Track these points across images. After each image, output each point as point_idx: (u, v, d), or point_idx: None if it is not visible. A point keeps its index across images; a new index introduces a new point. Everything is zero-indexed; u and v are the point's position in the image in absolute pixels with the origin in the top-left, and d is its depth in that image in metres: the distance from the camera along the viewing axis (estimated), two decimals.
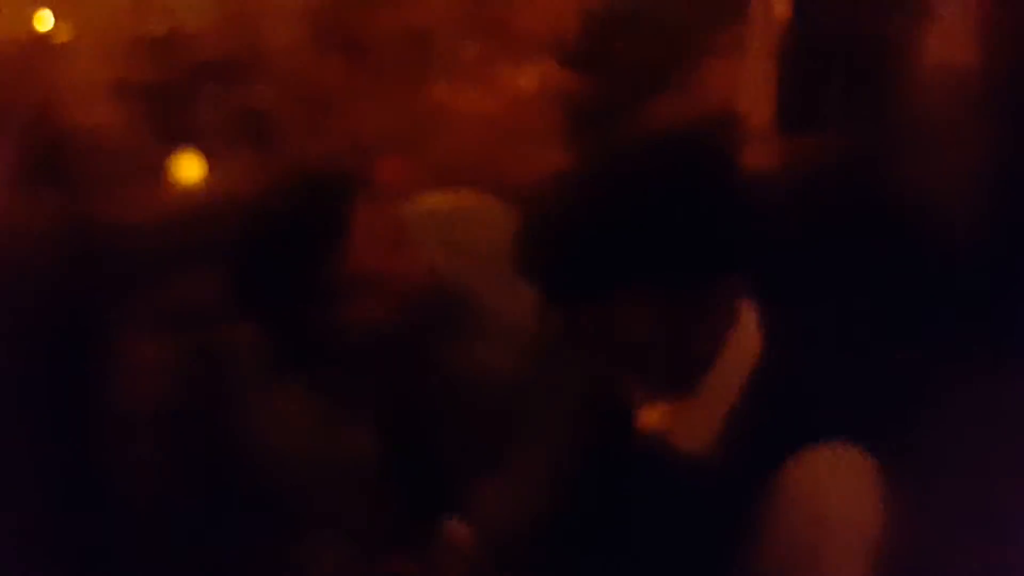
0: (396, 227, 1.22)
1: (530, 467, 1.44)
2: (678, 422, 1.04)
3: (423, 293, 1.26)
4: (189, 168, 4.01)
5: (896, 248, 2.41)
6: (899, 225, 2.63)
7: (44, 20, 6.51)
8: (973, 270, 2.57)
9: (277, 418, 1.36)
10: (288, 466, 1.42)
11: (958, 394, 1.84)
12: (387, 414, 1.40)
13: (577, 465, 1.29)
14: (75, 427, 1.62)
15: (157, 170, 4.02)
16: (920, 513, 1.08)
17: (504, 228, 1.52)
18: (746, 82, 4.01)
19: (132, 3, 6.56)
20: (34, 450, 1.35)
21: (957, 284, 2.41)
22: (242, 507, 1.62)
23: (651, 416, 1.08)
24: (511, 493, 1.45)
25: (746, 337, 1.04)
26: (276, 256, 1.12)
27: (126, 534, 1.63)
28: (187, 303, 2.19)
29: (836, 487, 1.01)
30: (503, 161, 2.59)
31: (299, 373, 1.34)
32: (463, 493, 1.49)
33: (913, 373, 1.74)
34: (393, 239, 1.20)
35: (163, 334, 1.94)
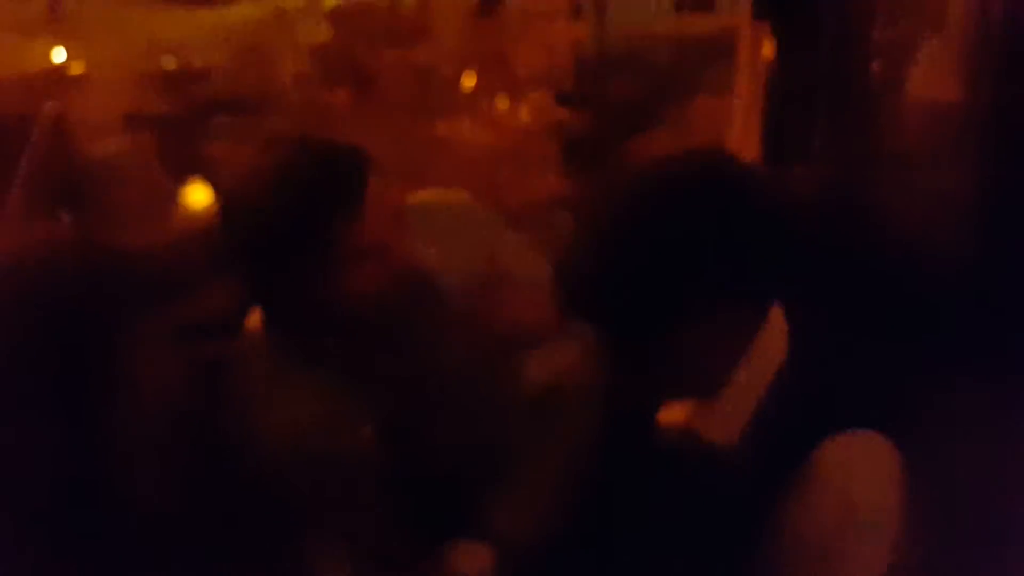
0: (398, 206, 1.25)
1: (547, 475, 1.43)
2: (707, 417, 1.05)
3: (418, 273, 1.29)
4: (199, 197, 4.03)
5: (884, 268, 2.45)
6: (884, 247, 2.67)
7: (58, 54, 6.59)
8: (961, 287, 2.62)
9: (285, 422, 1.36)
10: (295, 474, 1.42)
11: (960, 392, 1.88)
12: (393, 419, 1.41)
13: (598, 468, 1.28)
14: (85, 436, 1.63)
15: (168, 198, 4.04)
16: (933, 503, 1.10)
17: (486, 225, 1.55)
18: (735, 118, 4.07)
19: (144, 40, 6.65)
20: (44, 453, 1.36)
21: (944, 299, 2.45)
22: (247, 522, 1.62)
23: (680, 412, 1.09)
24: (528, 504, 1.45)
25: (773, 338, 1.05)
26: (296, 223, 1.14)
27: (133, 540, 1.63)
28: (197, 318, 2.21)
29: (863, 472, 1.01)
30: (502, 188, 2.63)
31: (306, 364, 1.34)
32: (477, 507, 1.48)
33: (921, 370, 1.77)
34: (395, 216, 1.23)
35: (173, 346, 1.95)
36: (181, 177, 4.38)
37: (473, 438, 1.49)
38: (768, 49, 3.98)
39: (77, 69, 6.57)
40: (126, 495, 1.68)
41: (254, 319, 1.43)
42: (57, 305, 1.79)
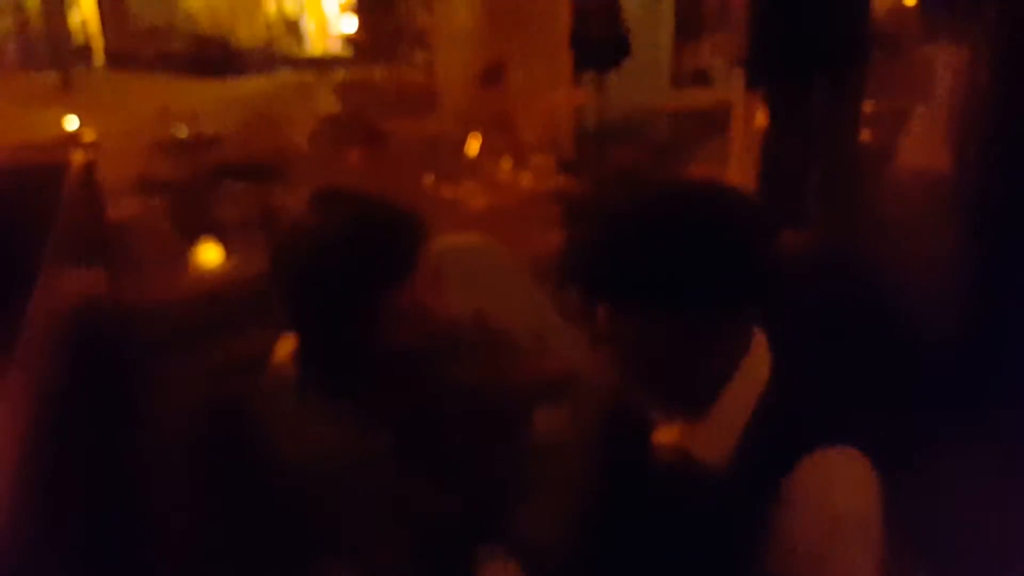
0: (435, 264, 1.27)
1: (562, 490, 1.45)
2: (697, 438, 1.08)
3: (452, 323, 1.30)
4: (209, 256, 4.11)
5: (871, 320, 2.51)
6: (872, 304, 2.73)
7: (71, 122, 6.70)
8: (946, 342, 2.69)
9: (308, 452, 1.38)
10: (317, 503, 1.44)
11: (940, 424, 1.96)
12: (417, 441, 1.43)
13: (603, 484, 1.31)
14: (113, 468, 1.66)
15: (180, 257, 4.12)
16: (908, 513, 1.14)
17: (505, 263, 1.59)
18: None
19: (155, 109, 6.79)
20: (77, 486, 1.39)
21: (928, 351, 2.51)
22: (269, 549, 1.64)
23: (671, 433, 1.13)
24: (547, 518, 1.46)
25: (756, 363, 1.10)
26: (347, 281, 1.16)
27: (160, 565, 1.65)
28: (221, 360, 2.26)
29: (844, 483, 1.04)
30: (506, 245, 2.69)
31: (332, 398, 1.36)
32: (500, 521, 1.50)
33: (896, 388, 1.83)
34: (434, 275, 1.25)
35: (197, 385, 1.99)
36: (193, 238, 4.48)
37: (493, 462, 1.52)
38: (761, 120, 4.08)
39: (90, 136, 6.70)
40: (153, 522, 1.71)
41: (282, 353, 1.46)
42: (89, 346, 1.83)
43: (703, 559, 1.11)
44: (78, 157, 2.28)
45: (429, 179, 3.80)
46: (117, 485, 1.60)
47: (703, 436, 1.09)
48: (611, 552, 1.28)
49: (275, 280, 1.28)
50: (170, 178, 5.76)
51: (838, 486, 1.03)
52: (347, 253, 1.23)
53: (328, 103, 6.52)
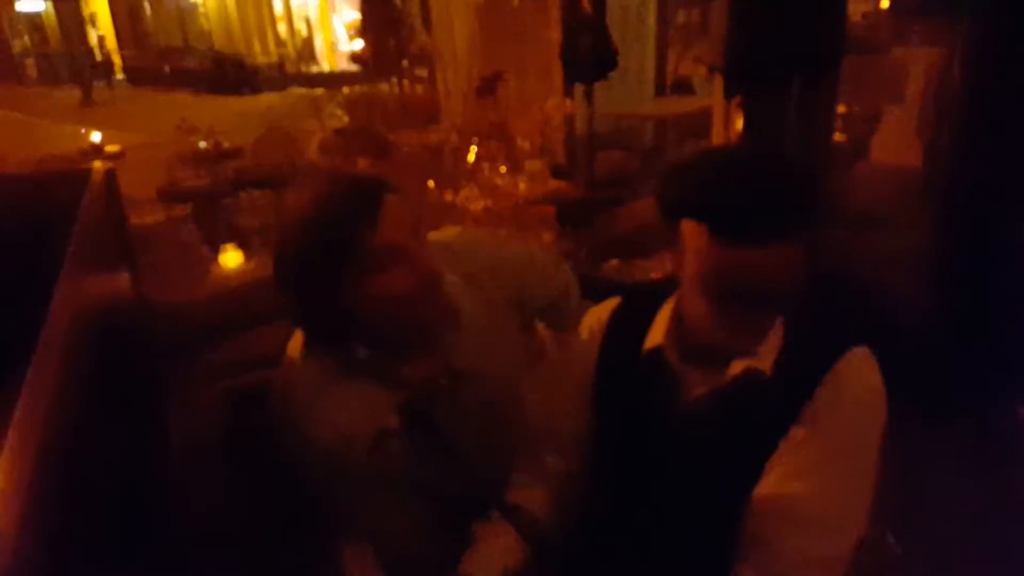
0: (417, 220, 1.34)
1: (562, 466, 1.52)
2: (760, 358, 1.25)
3: (437, 278, 1.36)
4: (230, 260, 4.19)
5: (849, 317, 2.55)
6: (848, 302, 2.76)
7: (96, 136, 6.79)
8: (920, 336, 2.74)
9: (327, 428, 1.43)
10: (334, 482, 1.49)
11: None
12: (425, 422, 1.48)
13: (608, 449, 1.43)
14: (141, 460, 1.72)
15: (202, 261, 4.20)
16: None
17: (495, 250, 1.67)
18: None
19: (175, 122, 6.86)
20: (106, 473, 1.44)
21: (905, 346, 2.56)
22: (293, 522, 1.69)
23: (737, 365, 1.28)
24: (546, 491, 1.52)
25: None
26: (326, 230, 1.24)
27: (182, 550, 1.71)
28: (240, 357, 2.32)
29: (859, 372, 1.24)
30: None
31: (342, 375, 1.41)
32: (499, 492, 1.55)
33: None
34: (413, 225, 1.32)
35: (218, 378, 2.05)
36: (215, 243, 4.56)
37: (496, 438, 1.57)
38: (739, 125, 4.12)
39: (113, 148, 6.80)
40: (177, 510, 1.78)
41: (293, 346, 1.51)
42: (119, 346, 1.88)
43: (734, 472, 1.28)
44: (99, 166, 2.34)
45: (431, 185, 3.87)
46: (144, 477, 1.66)
47: (762, 356, 1.26)
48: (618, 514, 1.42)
49: (275, 259, 1.35)
50: (191, 187, 5.87)
51: (857, 371, 1.24)
52: (317, 208, 1.30)
53: (336, 117, 6.60)
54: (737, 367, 1.27)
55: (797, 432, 1.25)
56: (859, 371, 1.25)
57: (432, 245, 1.41)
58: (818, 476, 1.26)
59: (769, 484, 1.27)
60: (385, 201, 1.31)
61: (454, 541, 1.50)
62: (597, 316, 1.49)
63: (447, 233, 1.63)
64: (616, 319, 1.45)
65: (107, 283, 2.01)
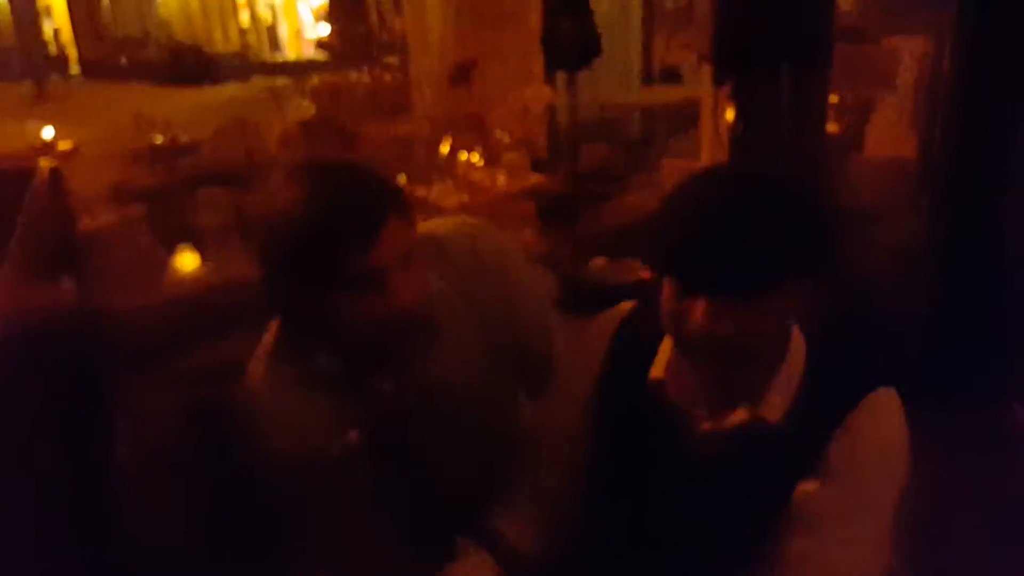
0: (412, 241, 1.25)
1: (555, 485, 1.42)
2: (767, 406, 1.19)
3: (424, 299, 1.28)
4: (186, 262, 4.11)
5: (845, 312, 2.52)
6: (843, 295, 2.74)
7: (48, 132, 6.67)
8: (916, 330, 2.73)
9: (289, 438, 1.37)
10: (295, 490, 1.44)
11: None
12: (392, 435, 1.42)
13: (607, 475, 1.36)
14: (89, 477, 1.65)
15: (157, 264, 4.11)
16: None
17: (495, 254, 1.54)
18: None
19: (132, 117, 6.76)
20: (53, 493, 1.38)
21: (900, 339, 2.54)
22: (253, 542, 1.64)
23: (742, 411, 1.20)
24: (531, 510, 1.46)
25: (796, 351, 1.21)
26: (312, 250, 1.15)
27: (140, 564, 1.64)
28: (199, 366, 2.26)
29: (883, 419, 1.19)
30: None
31: (311, 381, 1.35)
32: (479, 518, 1.48)
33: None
34: (407, 252, 1.23)
35: (175, 391, 1.99)
36: (170, 244, 4.46)
37: (472, 455, 1.51)
38: (729, 114, 4.09)
39: (65, 145, 6.66)
40: (134, 529, 1.71)
41: (260, 353, 1.46)
42: (60, 360, 1.82)
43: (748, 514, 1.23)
44: (44, 165, 2.25)
45: (403, 180, 3.79)
46: (94, 495, 1.59)
47: (771, 403, 1.20)
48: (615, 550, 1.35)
49: (258, 258, 1.28)
50: (146, 185, 5.75)
51: (881, 419, 1.19)
52: (311, 212, 1.22)
53: (302, 108, 6.52)
54: (739, 416, 1.21)
55: (809, 486, 1.19)
56: (880, 419, 1.19)
57: (422, 240, 1.35)
58: (832, 533, 1.20)
59: (779, 538, 1.21)
60: (388, 225, 1.24)
61: (428, 565, 1.46)
62: (604, 323, 1.39)
63: (442, 225, 1.54)
64: (622, 333, 1.36)
65: (47, 290, 1.95)
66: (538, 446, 1.48)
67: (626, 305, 1.38)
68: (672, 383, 1.24)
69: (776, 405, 1.19)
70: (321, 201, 1.23)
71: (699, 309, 1.07)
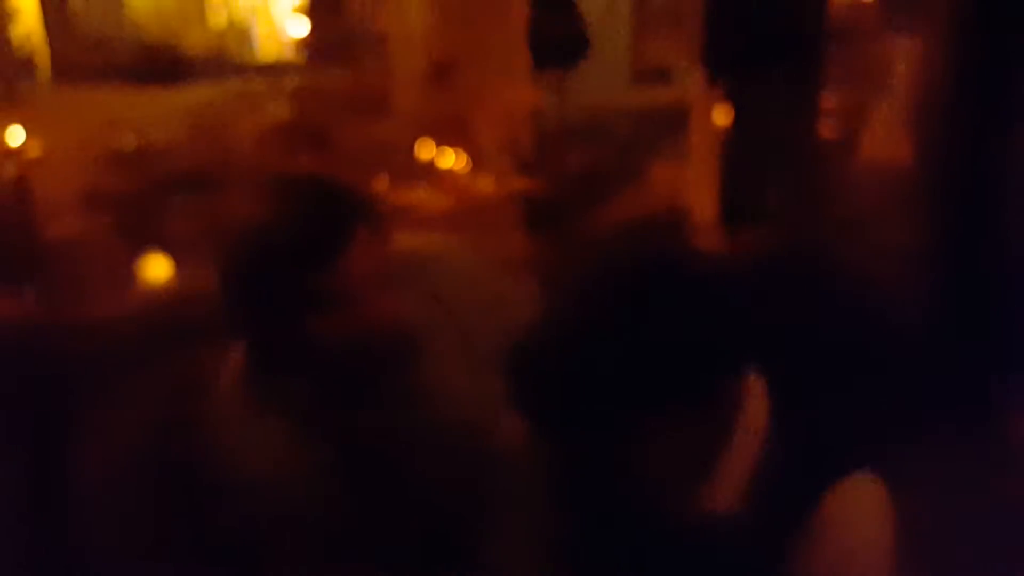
0: (385, 257, 1.21)
1: (536, 518, 1.39)
2: (708, 496, 1.03)
3: (398, 321, 1.24)
4: (157, 270, 4.07)
5: (841, 320, 2.52)
6: (838, 301, 2.74)
7: (15, 136, 6.61)
8: (914, 334, 2.72)
9: (257, 466, 1.34)
10: (266, 519, 1.40)
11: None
12: (363, 467, 1.38)
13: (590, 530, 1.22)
14: (52, 486, 1.63)
15: (125, 273, 4.07)
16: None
17: (479, 275, 1.50)
18: (691, 182, 4.18)
19: (103, 119, 6.71)
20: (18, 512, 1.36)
21: (899, 344, 2.53)
22: (221, 568, 1.61)
23: (676, 498, 1.04)
24: (518, 544, 1.38)
25: (755, 410, 1.05)
26: (275, 261, 1.12)
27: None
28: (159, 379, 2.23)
29: (861, 518, 1.05)
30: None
31: (280, 409, 1.32)
32: (465, 550, 1.43)
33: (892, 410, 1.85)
34: (381, 266, 1.19)
35: (144, 404, 1.96)
36: (140, 252, 4.42)
37: (451, 487, 1.47)
38: (721, 116, 4.10)
39: (35, 151, 6.61)
40: (97, 547, 1.68)
41: (229, 369, 1.43)
42: (21, 373, 1.80)
43: None
44: (7, 172, 2.24)
45: (383, 184, 3.77)
46: (55, 509, 1.57)
47: (714, 493, 1.05)
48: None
49: (221, 276, 1.25)
50: (117, 191, 5.70)
51: (855, 522, 1.02)
52: (278, 227, 1.20)
53: (278, 110, 6.48)
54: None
55: None
56: (859, 510, 1.04)
57: (401, 256, 1.32)
58: None
59: None
60: (355, 236, 1.21)
61: None
62: None
63: (423, 242, 1.52)
64: None
65: (7, 301, 1.93)
66: (535, 475, 1.44)
67: None
68: None
69: (724, 495, 1.05)
70: (280, 215, 1.20)
71: None
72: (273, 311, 1.22)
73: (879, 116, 4.47)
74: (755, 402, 1.07)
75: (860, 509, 1.04)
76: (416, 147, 4.09)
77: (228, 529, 1.45)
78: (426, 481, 1.43)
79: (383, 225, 1.27)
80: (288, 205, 1.21)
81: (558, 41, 5.04)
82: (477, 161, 4.06)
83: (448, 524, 1.45)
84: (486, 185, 3.92)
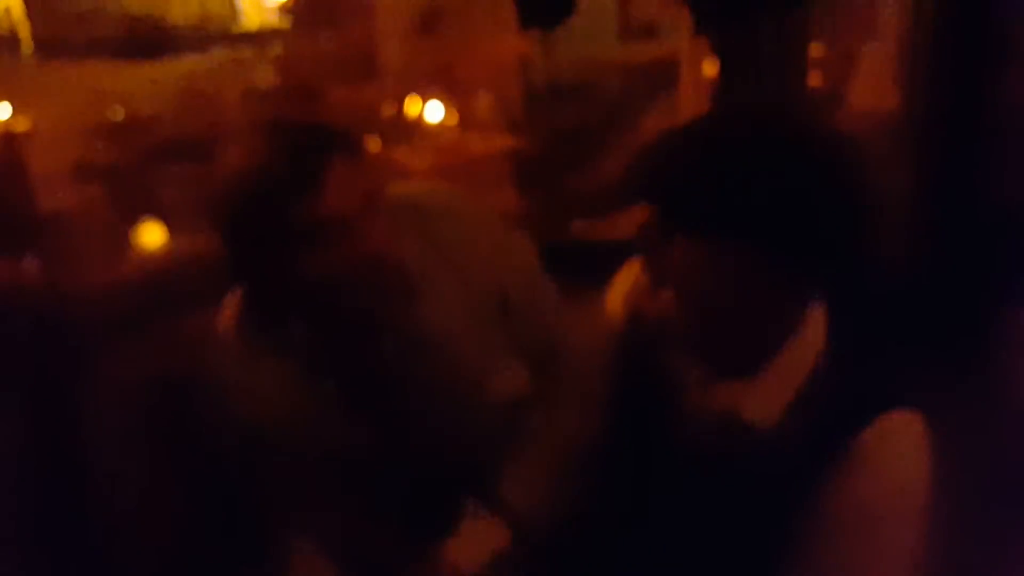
0: (370, 188, 1.21)
1: (561, 445, 1.42)
2: (747, 399, 1.04)
3: (391, 257, 1.23)
4: (151, 237, 4.08)
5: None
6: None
7: (2, 111, 6.58)
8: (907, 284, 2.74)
9: (256, 411, 1.34)
10: (269, 467, 1.41)
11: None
12: (366, 408, 1.39)
13: (624, 445, 1.25)
14: (57, 448, 1.64)
15: (121, 240, 4.08)
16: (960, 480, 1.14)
17: (476, 222, 1.49)
18: None
19: (90, 93, 6.67)
20: (23, 470, 1.37)
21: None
22: (225, 520, 1.62)
23: (715, 393, 1.07)
24: (539, 475, 1.43)
25: (814, 329, 1.07)
26: (255, 201, 1.12)
27: (110, 537, 1.63)
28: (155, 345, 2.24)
29: (900, 453, 1.05)
30: None
31: (277, 353, 1.32)
32: (483, 478, 1.45)
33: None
34: (366, 198, 1.19)
35: (144, 364, 1.97)
36: (133, 221, 4.42)
37: (461, 419, 1.48)
38: (709, 69, 4.09)
39: (22, 125, 6.57)
40: (102, 501, 1.69)
41: (225, 318, 1.44)
42: (21, 336, 1.81)
43: (739, 527, 1.08)
44: None
45: (376, 143, 3.76)
46: (63, 472, 1.59)
47: (753, 397, 1.07)
48: (622, 518, 1.26)
49: (211, 224, 1.26)
50: (107, 163, 5.69)
51: (895, 457, 1.03)
52: (250, 167, 1.21)
53: (264, 77, 6.45)
54: (722, 396, 1.09)
55: (805, 524, 1.04)
56: (898, 448, 1.04)
57: (396, 201, 1.33)
58: None
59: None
60: (332, 163, 1.21)
61: (425, 537, 1.44)
62: (617, 288, 1.34)
63: (418, 188, 1.52)
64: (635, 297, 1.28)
65: (9, 268, 1.94)
66: (549, 411, 1.44)
67: (635, 264, 1.32)
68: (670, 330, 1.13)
69: (766, 406, 1.06)
70: (258, 151, 1.22)
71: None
72: (264, 251, 1.23)
73: (868, 66, 4.47)
74: (814, 323, 1.09)
75: (898, 446, 1.04)
76: (404, 106, 4.08)
77: (234, 474, 1.47)
78: (426, 421, 1.45)
79: (360, 153, 1.28)
80: (256, 142, 1.22)
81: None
82: (465, 119, 4.05)
83: (448, 465, 1.47)
84: (475, 143, 3.92)
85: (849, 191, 1.03)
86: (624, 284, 1.33)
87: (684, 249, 1.02)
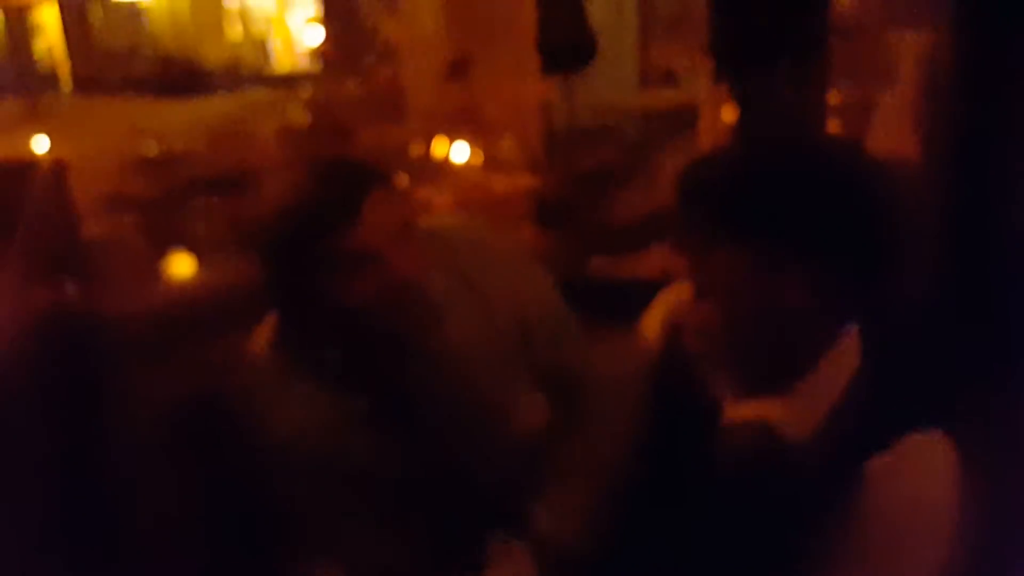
0: (403, 221, 1.25)
1: (594, 473, 1.43)
2: (780, 412, 1.06)
3: (420, 286, 1.26)
4: (182, 268, 4.17)
5: None
6: None
7: (40, 143, 6.73)
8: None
9: (290, 432, 1.37)
10: (299, 488, 1.44)
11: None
12: (404, 412, 1.41)
13: (657, 463, 1.25)
14: (89, 473, 1.68)
15: (154, 270, 4.16)
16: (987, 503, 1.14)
17: (499, 254, 1.53)
18: None
19: (125, 128, 6.82)
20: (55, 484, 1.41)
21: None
22: (262, 538, 1.64)
23: (750, 406, 1.08)
24: (572, 505, 1.45)
25: (848, 347, 1.09)
26: (298, 231, 1.17)
27: (137, 556, 1.67)
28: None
29: (929, 474, 1.06)
30: None
31: (311, 376, 1.36)
32: (514, 508, 1.47)
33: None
34: (399, 230, 1.23)
35: (174, 388, 2.02)
36: (164, 251, 4.52)
37: (482, 454, 1.49)
38: (728, 115, 4.14)
39: (62, 157, 6.67)
40: (132, 520, 1.73)
41: (258, 341, 1.48)
42: (61, 362, 1.86)
43: (767, 542, 1.10)
44: (44, 169, 2.30)
45: (404, 181, 3.84)
46: (94, 490, 1.62)
47: (788, 411, 1.09)
48: (665, 530, 1.25)
49: (256, 247, 1.32)
50: (141, 196, 5.81)
51: (923, 477, 1.05)
52: (293, 199, 1.27)
53: (295, 118, 6.58)
54: (754, 411, 1.10)
55: (831, 541, 1.04)
56: (924, 467, 1.04)
57: (427, 233, 1.37)
58: None
59: None
60: (370, 197, 1.26)
61: (455, 569, 1.45)
62: (658, 311, 1.35)
63: (447, 222, 1.56)
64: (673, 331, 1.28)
65: (50, 292, 1.99)
66: (582, 442, 1.48)
67: (671, 291, 1.33)
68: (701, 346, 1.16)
69: (800, 421, 1.07)
70: (302, 185, 1.28)
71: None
72: (303, 277, 1.28)
73: (886, 110, 4.50)
74: (850, 341, 1.12)
75: (925, 465, 1.05)
76: (431, 147, 4.17)
77: (263, 496, 1.49)
78: (452, 446, 1.47)
79: (395, 188, 1.33)
80: (299, 176, 1.29)
81: (567, 46, 5.08)
82: (490, 160, 4.13)
83: (477, 495, 1.49)
84: (499, 182, 3.99)
85: (890, 214, 1.08)
86: (661, 309, 1.35)
87: (729, 260, 1.05)
